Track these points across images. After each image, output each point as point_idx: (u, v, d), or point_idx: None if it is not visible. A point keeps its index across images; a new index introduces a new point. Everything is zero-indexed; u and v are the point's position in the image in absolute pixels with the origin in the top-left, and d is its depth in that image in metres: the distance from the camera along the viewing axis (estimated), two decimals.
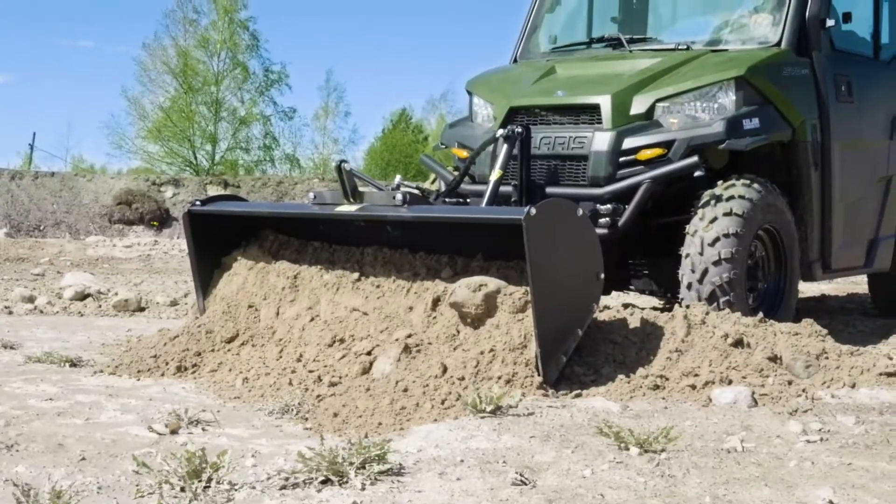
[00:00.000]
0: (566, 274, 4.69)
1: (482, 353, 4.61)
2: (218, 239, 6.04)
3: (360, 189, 6.08)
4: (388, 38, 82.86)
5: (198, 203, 6.02)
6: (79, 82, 74.75)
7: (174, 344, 5.40)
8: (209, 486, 2.99)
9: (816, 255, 6.67)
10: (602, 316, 5.17)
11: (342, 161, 5.94)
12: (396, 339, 4.86)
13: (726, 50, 6.61)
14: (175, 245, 16.19)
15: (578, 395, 4.53)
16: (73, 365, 5.34)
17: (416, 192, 5.83)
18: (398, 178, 5.99)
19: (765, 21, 6.72)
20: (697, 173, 5.95)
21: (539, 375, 4.53)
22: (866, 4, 7.44)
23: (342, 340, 5.10)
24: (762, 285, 6.23)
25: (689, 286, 5.72)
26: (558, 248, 4.65)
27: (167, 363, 5.21)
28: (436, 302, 5.03)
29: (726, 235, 5.69)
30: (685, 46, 6.71)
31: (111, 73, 75.22)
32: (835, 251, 6.80)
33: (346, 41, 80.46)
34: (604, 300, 6.15)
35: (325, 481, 3.07)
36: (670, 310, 5.41)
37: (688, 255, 5.76)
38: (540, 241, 4.51)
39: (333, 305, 5.37)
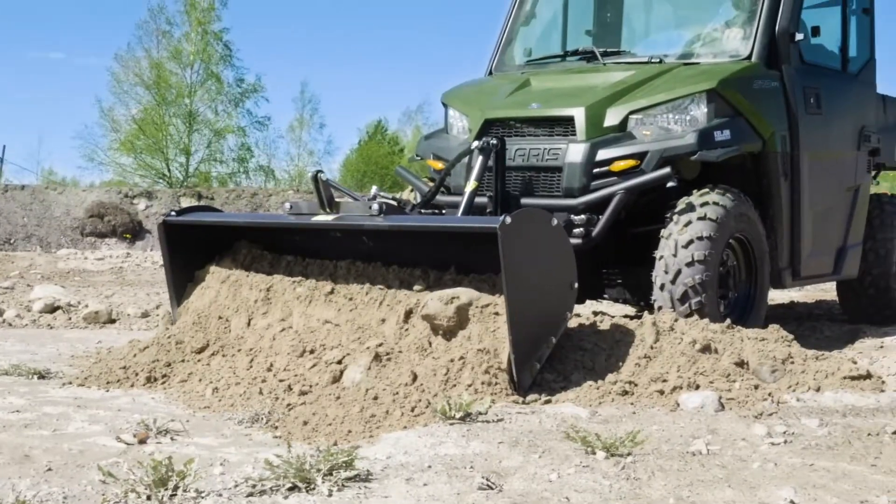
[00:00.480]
0: (540, 282, 4.75)
1: (452, 360, 4.64)
2: (193, 249, 6.06)
3: (337, 199, 6.12)
4: (364, 50, 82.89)
5: (173, 213, 6.03)
6: (49, 94, 74.39)
7: (144, 355, 5.41)
8: (175, 495, 3.00)
9: (786, 262, 6.78)
10: (572, 323, 5.20)
11: (318, 171, 5.98)
12: (367, 348, 4.88)
13: (698, 63, 6.71)
14: (148, 257, 16.14)
15: (548, 402, 4.56)
16: (42, 377, 5.34)
17: (392, 202, 5.86)
18: (374, 188, 6.03)
19: (736, 35, 6.84)
20: (670, 184, 6.04)
21: (510, 383, 4.57)
22: (834, 18, 7.57)
23: (312, 350, 5.11)
24: (733, 294, 6.31)
25: (662, 287, 5.80)
26: (533, 256, 4.71)
27: (137, 374, 5.21)
28: (408, 314, 5.06)
29: (700, 238, 5.78)
30: (658, 60, 6.81)
31: (82, 86, 74.77)
32: (804, 259, 6.91)
33: (321, 53, 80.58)
34: (577, 308, 6.20)
35: (293, 488, 3.09)
36: (640, 317, 5.46)
37: (661, 258, 5.84)
38: (515, 249, 4.57)
39: (306, 318, 5.38)
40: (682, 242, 5.79)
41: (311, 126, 42.16)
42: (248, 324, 5.54)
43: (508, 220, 4.52)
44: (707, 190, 6.07)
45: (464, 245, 5.17)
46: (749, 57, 6.61)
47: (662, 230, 5.94)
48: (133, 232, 20.39)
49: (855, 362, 5.28)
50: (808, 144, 6.83)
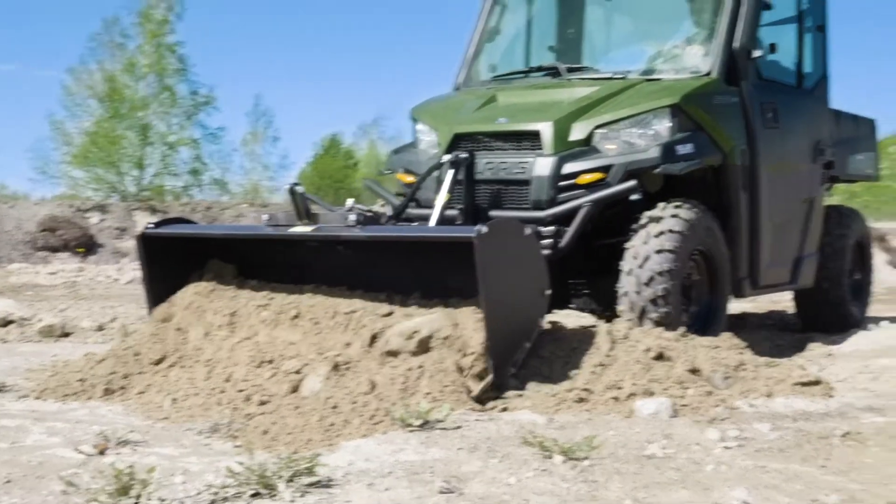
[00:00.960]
0: (514, 290, 4.91)
1: (410, 369, 4.69)
2: (172, 261, 6.07)
3: (314, 211, 6.18)
4: (319, 65, 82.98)
5: (151, 226, 6.06)
6: (1, 107, 73.60)
7: (101, 367, 5.39)
8: (138, 503, 3.02)
9: (746, 272, 6.93)
10: None
11: (295, 184, 6.09)
12: (325, 358, 4.92)
13: (660, 79, 6.86)
14: (101, 271, 16.04)
15: (505, 409, 4.62)
16: None
17: (368, 213, 5.95)
18: (350, 201, 6.13)
19: (696, 52, 7.01)
20: (634, 196, 6.11)
21: (470, 390, 4.64)
22: (790, 36, 7.78)
23: (271, 360, 5.13)
24: (695, 307, 6.42)
25: (627, 297, 5.92)
26: (507, 265, 4.86)
27: (94, 386, 5.20)
28: (373, 338, 5.10)
29: (664, 251, 5.91)
30: (621, 75, 6.96)
31: (35, 98, 74.01)
32: (763, 269, 7.08)
33: (276, 67, 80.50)
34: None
35: (255, 494, 3.12)
36: (595, 326, 5.55)
37: (628, 270, 5.96)
38: (490, 258, 4.70)
39: (272, 339, 5.41)
40: (646, 254, 5.92)
41: (265, 139, 42.05)
42: (206, 335, 5.55)
43: (484, 229, 4.65)
44: (671, 203, 6.21)
45: (439, 254, 5.25)
46: (709, 73, 6.78)
47: (628, 242, 6.05)
48: (86, 246, 20.23)
49: (805, 369, 5.41)
50: (766, 158, 7.02)
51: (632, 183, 6.07)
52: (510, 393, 4.83)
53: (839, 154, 8.37)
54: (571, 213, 6.06)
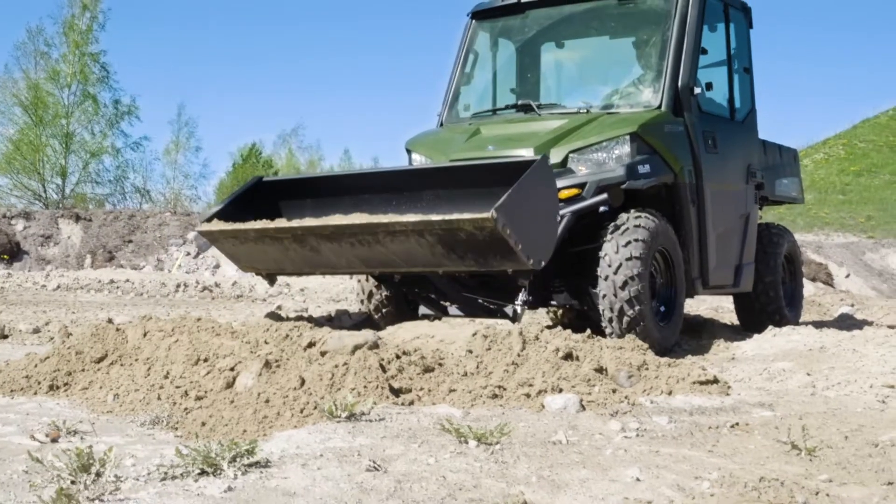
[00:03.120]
0: None
1: (336, 366, 5.05)
2: None
3: None
4: (240, 74, 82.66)
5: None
6: None
7: (45, 364, 5.69)
8: (98, 479, 3.35)
9: (697, 273, 8.18)
10: (444, 332, 5.67)
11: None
12: (257, 356, 5.27)
13: (618, 112, 8.10)
14: (29, 278, 16.12)
15: (423, 404, 5.01)
16: None
17: None
18: None
19: (647, 89, 8.26)
20: (603, 208, 7.26)
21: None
22: (722, 76, 9.02)
23: (206, 359, 5.47)
24: (657, 302, 7.55)
25: (607, 299, 7.08)
26: None
27: (39, 382, 5.49)
28: (310, 345, 5.47)
29: (633, 258, 6.99)
30: (585, 110, 8.18)
31: None
32: (711, 271, 8.29)
33: (198, 76, 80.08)
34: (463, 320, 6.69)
35: (202, 473, 3.47)
36: (554, 326, 6.12)
37: (605, 276, 7.03)
38: None
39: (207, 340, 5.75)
40: (618, 262, 7.03)
41: (187, 149, 42.08)
42: (145, 335, 5.86)
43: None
44: (633, 213, 7.30)
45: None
46: (659, 107, 8.02)
47: (600, 251, 7.11)
48: (10, 253, 20.24)
49: (704, 369, 5.85)
50: (709, 177, 8.24)
51: (603, 196, 7.29)
52: (427, 389, 5.22)
53: (768, 177, 9.58)
54: None
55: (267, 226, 6.81)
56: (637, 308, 7.01)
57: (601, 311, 7.16)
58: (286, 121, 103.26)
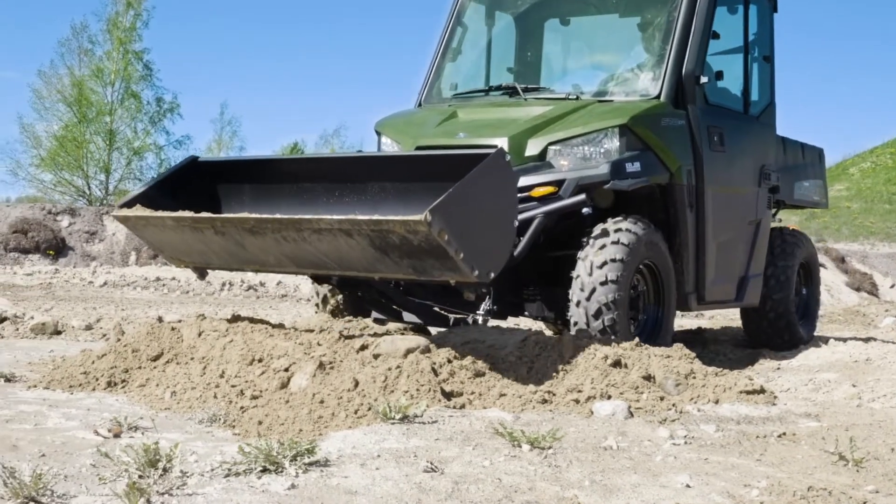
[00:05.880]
0: None
1: (390, 369, 5.13)
2: None
3: None
4: (283, 74, 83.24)
5: None
6: None
7: (102, 362, 5.80)
8: (164, 474, 3.46)
9: (692, 287, 7.34)
10: (495, 337, 5.76)
11: None
12: (311, 357, 5.37)
13: (611, 101, 7.28)
14: (76, 274, 16.35)
15: (475, 408, 5.08)
16: (8, 380, 5.71)
17: None
18: None
19: (646, 76, 7.44)
20: (585, 210, 6.47)
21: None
22: (738, 65, 8.20)
23: (261, 359, 5.56)
24: (642, 316, 6.85)
25: (578, 304, 6.31)
26: None
27: (97, 379, 5.61)
28: (363, 348, 5.54)
29: (613, 261, 6.29)
30: (575, 96, 7.38)
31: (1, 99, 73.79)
32: (708, 285, 7.48)
33: (241, 75, 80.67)
34: (502, 323, 6.79)
35: (264, 470, 3.57)
36: (560, 332, 6.04)
37: (578, 277, 6.34)
38: None
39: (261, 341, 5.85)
40: (596, 264, 6.28)
41: (230, 148, 42.35)
42: (200, 334, 5.98)
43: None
44: (620, 218, 6.59)
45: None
46: (658, 96, 7.20)
47: (579, 252, 6.42)
48: (56, 249, 20.50)
49: (751, 379, 5.88)
50: (711, 179, 7.41)
51: (581, 197, 6.41)
52: (479, 393, 5.29)
53: (785, 179, 8.76)
54: (525, 224, 6.26)
55: (182, 215, 6.11)
56: (609, 316, 6.23)
57: (570, 317, 6.40)
58: (329, 120, 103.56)
